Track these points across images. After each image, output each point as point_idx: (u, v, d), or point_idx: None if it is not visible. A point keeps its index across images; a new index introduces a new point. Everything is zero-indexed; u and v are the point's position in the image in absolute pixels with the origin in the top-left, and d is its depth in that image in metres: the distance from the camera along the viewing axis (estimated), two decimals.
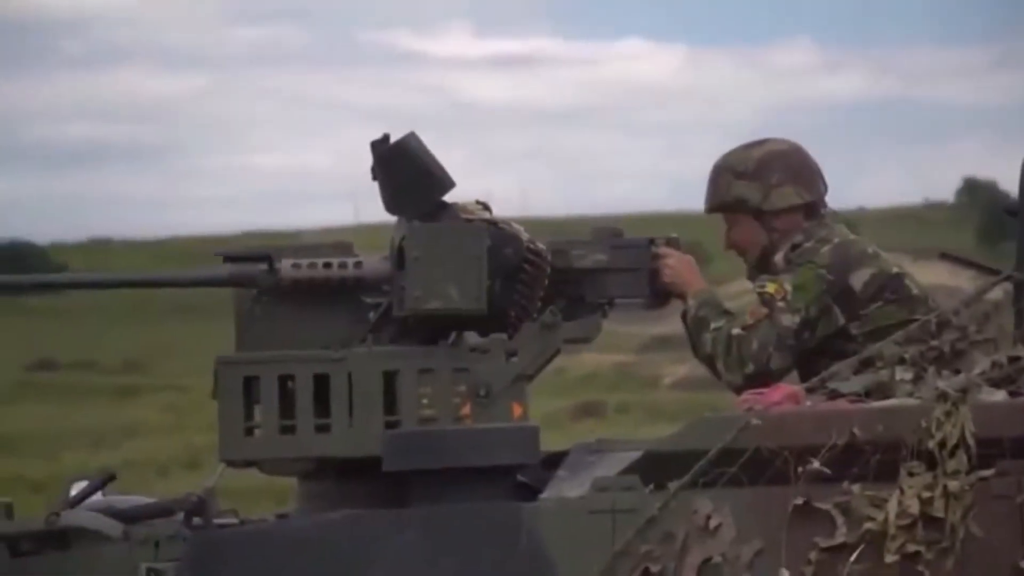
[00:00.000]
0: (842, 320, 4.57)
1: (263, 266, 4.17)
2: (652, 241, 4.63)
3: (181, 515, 4.02)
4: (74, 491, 4.16)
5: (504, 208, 4.36)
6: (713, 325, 4.57)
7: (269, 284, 4.16)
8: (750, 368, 4.49)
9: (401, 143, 4.16)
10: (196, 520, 3.99)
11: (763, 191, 4.68)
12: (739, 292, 4.75)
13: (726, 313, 4.62)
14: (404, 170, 4.16)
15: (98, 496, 4.18)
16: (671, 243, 4.65)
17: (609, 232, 4.62)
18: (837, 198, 4.87)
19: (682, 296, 4.64)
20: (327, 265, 4.18)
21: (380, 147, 4.17)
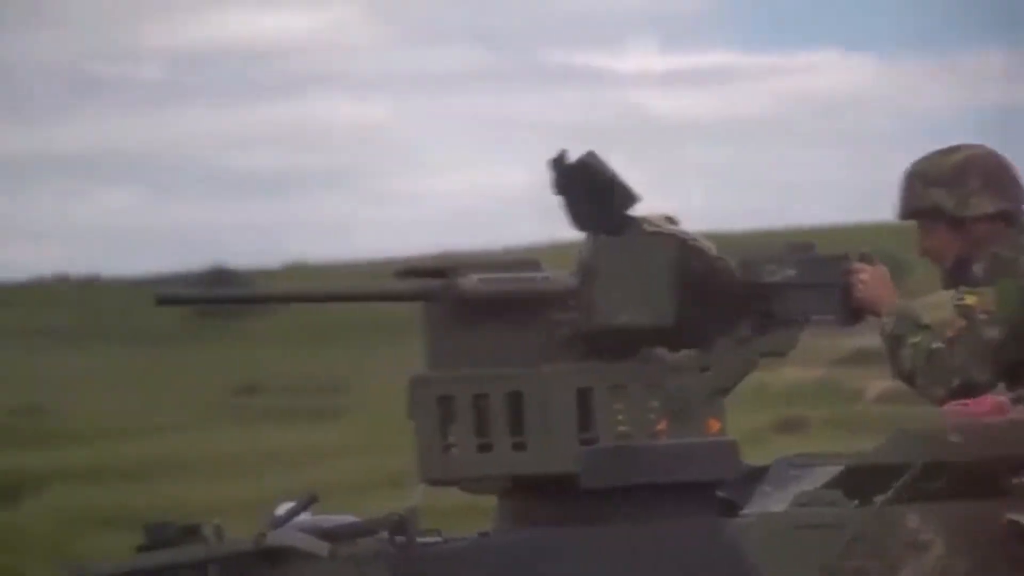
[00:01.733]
0: None
1: (443, 280, 4.18)
2: (844, 256, 4.56)
3: (385, 534, 4.05)
4: (280, 512, 4.21)
5: (691, 223, 4.34)
6: (911, 340, 4.48)
7: (450, 298, 4.16)
8: (953, 382, 4.39)
9: (581, 161, 4.16)
10: (399, 539, 4.02)
11: (958, 198, 4.58)
12: (936, 305, 4.64)
13: (924, 327, 4.53)
14: (586, 188, 4.16)
15: (305, 516, 4.22)
16: (864, 258, 4.58)
17: (800, 247, 4.57)
18: None
19: (876, 312, 4.56)
20: (515, 280, 4.19)
21: (560, 165, 4.17)
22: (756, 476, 4.13)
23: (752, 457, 4.20)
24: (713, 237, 4.32)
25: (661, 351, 4.18)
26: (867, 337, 4.78)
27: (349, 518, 4.23)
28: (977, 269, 4.58)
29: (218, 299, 4.61)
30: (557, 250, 4.49)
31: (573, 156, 4.17)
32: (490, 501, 4.35)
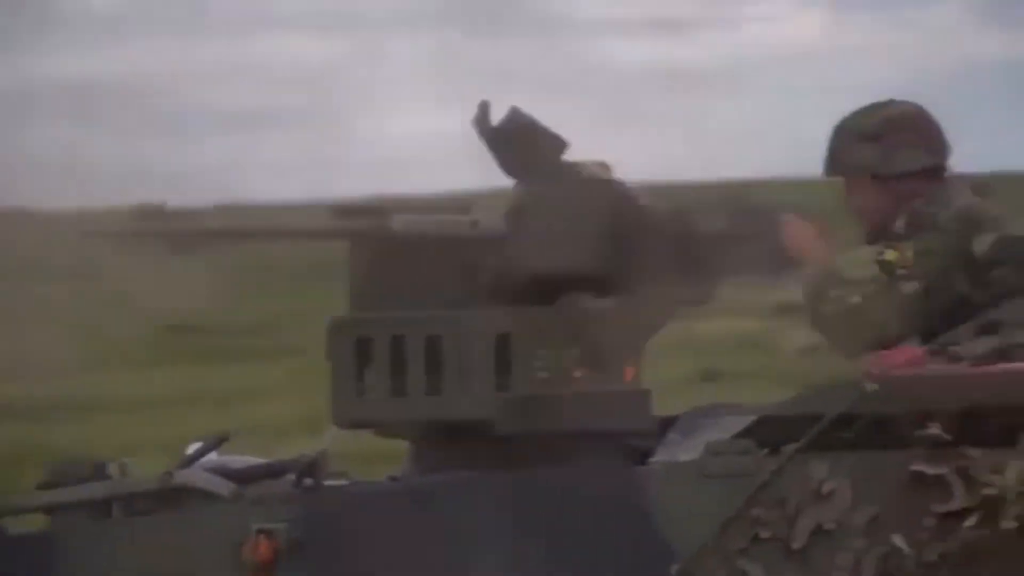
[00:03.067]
0: (965, 286, 4.47)
1: (374, 219, 4.15)
2: (773, 210, 4.55)
3: (293, 476, 4.02)
4: (189, 451, 4.18)
5: (632, 172, 4.32)
6: (832, 294, 4.48)
7: (379, 238, 4.14)
8: (869, 337, 4.41)
9: (505, 121, 4.14)
10: (307, 481, 3.99)
11: (885, 154, 4.58)
12: (858, 262, 4.65)
13: (845, 281, 4.54)
14: (512, 142, 4.14)
15: (214, 456, 4.19)
16: (793, 212, 4.57)
17: (732, 199, 4.56)
18: (979, 160, 4.74)
19: (801, 266, 4.56)
20: (442, 223, 4.16)
21: (483, 123, 4.15)
22: (668, 425, 4.13)
23: (674, 406, 4.19)
24: (658, 186, 4.30)
25: (584, 298, 4.16)
26: (787, 292, 4.77)
27: (259, 460, 4.20)
28: (898, 225, 4.58)
29: (143, 232, 4.57)
30: (490, 197, 4.46)
31: (505, 107, 4.16)
32: (405, 446, 4.32)
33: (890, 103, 4.66)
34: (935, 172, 4.62)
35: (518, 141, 4.13)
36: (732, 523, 3.75)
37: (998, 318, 4.02)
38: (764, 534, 3.74)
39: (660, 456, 3.97)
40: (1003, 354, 3.94)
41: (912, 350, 4.02)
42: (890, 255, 4.48)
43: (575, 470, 3.85)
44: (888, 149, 4.57)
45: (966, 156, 4.71)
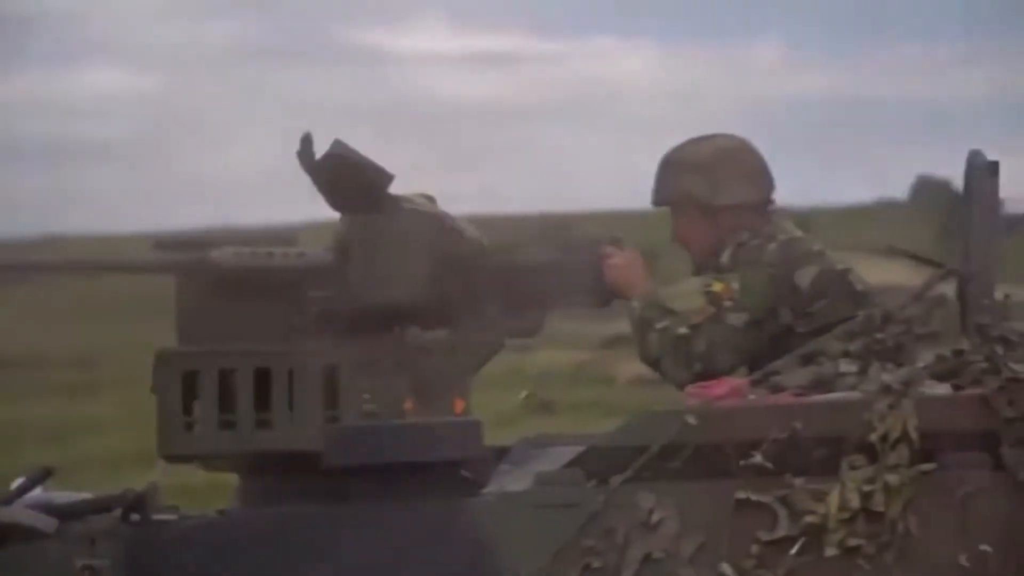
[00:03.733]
0: (788, 317, 4.55)
1: (196, 254, 4.13)
2: (597, 240, 4.60)
3: (119, 511, 3.97)
4: (13, 487, 4.11)
5: (464, 205, 4.34)
6: (659, 325, 4.54)
7: (203, 272, 4.12)
8: (696, 367, 4.46)
9: (328, 155, 4.13)
10: (134, 516, 3.94)
11: (712, 186, 4.65)
12: (684, 294, 4.71)
13: (671, 313, 4.60)
14: (338, 175, 4.13)
15: (39, 491, 4.12)
16: (615, 242, 4.62)
17: (556, 229, 4.59)
18: (800, 195, 4.84)
19: (627, 296, 4.61)
20: (268, 255, 4.15)
21: (306, 157, 4.14)
22: (499, 455, 4.15)
23: (505, 437, 4.21)
24: (485, 219, 4.32)
25: (413, 330, 4.17)
26: (622, 323, 4.82)
27: (84, 495, 4.14)
28: (725, 256, 4.65)
29: None
30: (316, 229, 4.46)
31: (330, 139, 4.15)
32: (234, 480, 4.28)
33: (716, 136, 4.74)
34: (760, 205, 4.71)
35: (342, 174, 4.13)
36: (563, 553, 3.77)
37: (819, 348, 4.10)
38: (595, 563, 3.77)
39: (493, 486, 3.99)
40: (824, 384, 4.01)
41: (734, 381, 4.08)
42: (716, 286, 4.55)
43: (407, 502, 3.85)
44: (715, 181, 4.64)
45: (788, 191, 4.81)
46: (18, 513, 3.94)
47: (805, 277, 4.56)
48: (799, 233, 4.71)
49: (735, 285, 4.53)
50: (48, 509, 4.00)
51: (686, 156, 4.69)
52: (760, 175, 4.71)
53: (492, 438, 4.06)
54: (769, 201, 4.73)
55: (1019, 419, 3.85)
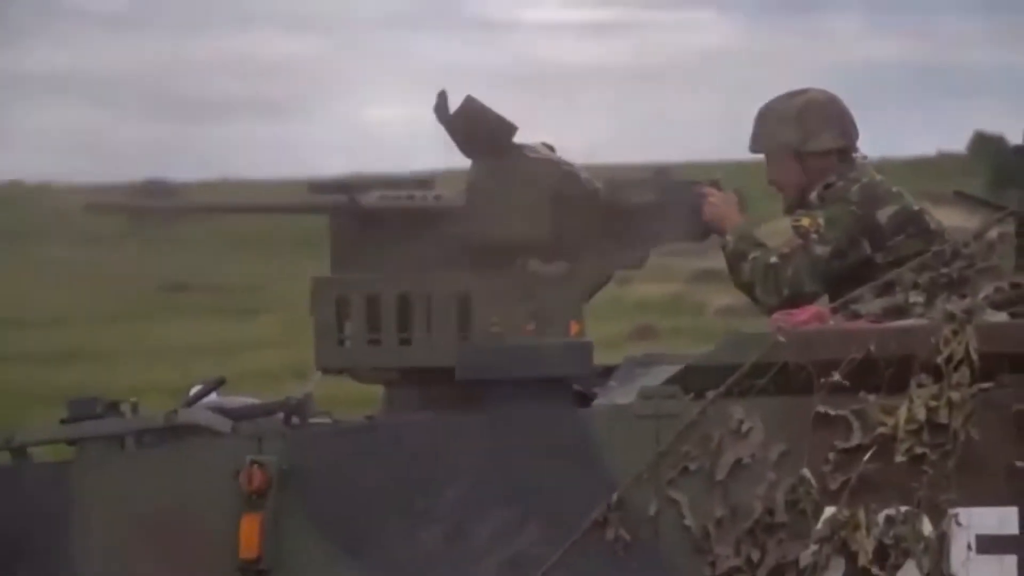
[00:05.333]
0: (869, 250, 4.50)
1: (347, 196, 4.18)
2: (696, 182, 4.58)
3: (282, 415, 4.04)
4: (191, 393, 4.19)
5: (572, 156, 4.36)
6: (751, 255, 4.51)
7: (353, 212, 4.17)
8: (785, 292, 4.44)
9: (461, 109, 4.16)
10: (295, 420, 4.01)
11: (803, 134, 4.60)
12: (776, 231, 4.68)
13: (762, 245, 4.57)
14: (468, 126, 4.15)
15: (213, 397, 4.20)
16: (714, 184, 4.60)
17: (659, 173, 4.59)
18: (870, 147, 4.79)
19: (722, 231, 4.58)
20: (409, 197, 4.18)
21: (442, 111, 4.17)
22: (606, 374, 4.16)
23: (608, 358, 4.22)
24: (589, 167, 4.33)
25: (534, 263, 4.19)
26: (713, 259, 4.79)
27: (252, 401, 4.22)
28: (813, 197, 4.61)
29: (138, 209, 4.60)
30: (451, 175, 4.50)
31: (462, 96, 4.18)
32: (379, 391, 4.33)
33: (807, 90, 4.69)
34: (845, 152, 4.65)
35: (473, 126, 4.14)
36: (663, 458, 3.78)
37: (893, 280, 4.06)
38: (692, 467, 3.78)
39: (601, 400, 4.00)
40: (896, 312, 3.98)
41: (816, 308, 4.05)
42: (804, 220, 4.52)
43: (527, 412, 3.86)
44: (806, 130, 4.60)
45: (861, 143, 4.75)
46: (198, 414, 4.02)
47: (885, 215, 4.51)
48: (880, 177, 4.66)
49: (821, 220, 4.49)
50: (222, 412, 4.07)
51: (780, 107, 4.64)
52: (846, 125, 4.66)
53: (599, 359, 4.07)
54: (854, 148, 4.68)
55: None
